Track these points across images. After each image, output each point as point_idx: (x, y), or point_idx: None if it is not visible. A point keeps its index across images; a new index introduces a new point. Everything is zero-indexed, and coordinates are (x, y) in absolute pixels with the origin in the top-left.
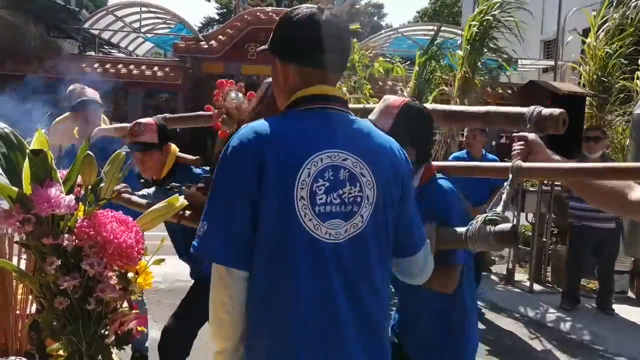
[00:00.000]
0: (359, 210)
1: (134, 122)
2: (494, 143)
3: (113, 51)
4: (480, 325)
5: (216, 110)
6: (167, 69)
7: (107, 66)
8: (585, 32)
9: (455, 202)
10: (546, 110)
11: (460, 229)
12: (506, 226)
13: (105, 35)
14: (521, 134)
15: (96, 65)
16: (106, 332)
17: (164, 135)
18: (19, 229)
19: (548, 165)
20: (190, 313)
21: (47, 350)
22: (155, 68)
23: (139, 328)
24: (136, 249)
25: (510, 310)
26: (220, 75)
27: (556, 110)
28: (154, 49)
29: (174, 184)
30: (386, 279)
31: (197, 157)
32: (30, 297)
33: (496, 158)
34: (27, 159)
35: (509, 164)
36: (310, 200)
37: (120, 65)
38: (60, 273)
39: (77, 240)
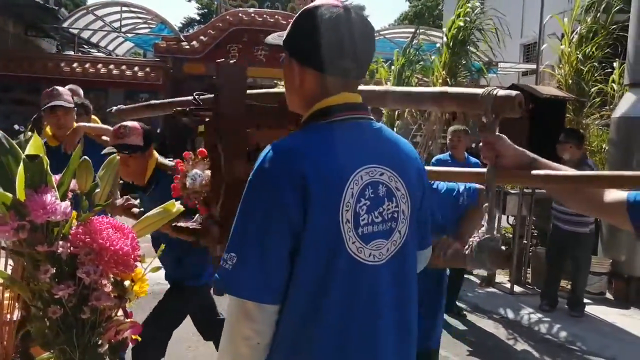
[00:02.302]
0: (396, 227)
1: (119, 124)
2: (473, 145)
3: (92, 51)
4: (462, 326)
5: (184, 197)
6: (147, 69)
7: (87, 66)
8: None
9: None
10: (502, 92)
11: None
12: (499, 251)
13: (85, 34)
14: (487, 137)
15: (75, 65)
16: (99, 342)
17: (148, 139)
18: (13, 236)
19: (520, 172)
20: (166, 315)
21: (38, 359)
22: (136, 68)
23: (134, 337)
24: (132, 256)
25: (491, 311)
26: (202, 75)
27: (512, 92)
28: (134, 49)
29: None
30: (417, 289)
31: (177, 161)
32: (16, 303)
33: (478, 162)
34: (21, 164)
35: (483, 170)
36: (354, 222)
37: (100, 65)
38: (53, 281)
39: (72, 248)
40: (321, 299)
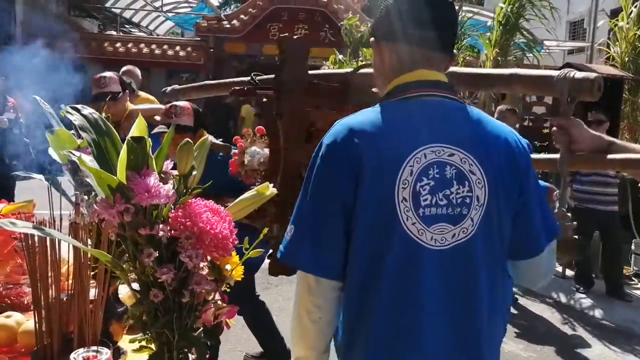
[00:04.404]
0: (468, 213)
1: (170, 104)
2: (517, 125)
3: (134, 30)
4: (514, 310)
5: (242, 175)
6: (189, 49)
7: (129, 45)
8: (613, 14)
9: None
10: (579, 74)
11: None
12: (572, 240)
13: (126, 14)
14: (560, 121)
15: (118, 44)
16: (195, 325)
17: (198, 120)
18: (118, 218)
19: (596, 156)
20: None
21: (129, 341)
22: (178, 48)
23: (228, 321)
24: (231, 240)
25: (543, 295)
26: (243, 55)
27: (591, 74)
28: (173, 28)
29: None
30: (498, 282)
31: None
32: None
33: (529, 143)
34: (125, 146)
35: (555, 156)
36: (414, 202)
37: (142, 45)
38: (156, 265)
39: (172, 231)
40: (375, 278)
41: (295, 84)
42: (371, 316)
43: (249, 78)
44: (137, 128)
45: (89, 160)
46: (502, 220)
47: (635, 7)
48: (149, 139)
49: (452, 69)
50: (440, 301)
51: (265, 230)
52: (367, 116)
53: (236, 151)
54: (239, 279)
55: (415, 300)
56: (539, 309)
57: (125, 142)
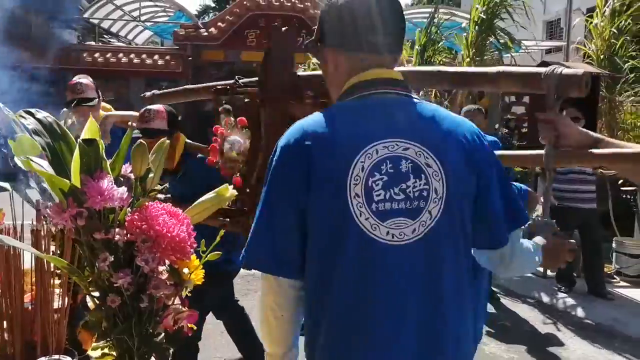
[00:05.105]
0: (426, 206)
1: (144, 108)
2: (497, 126)
3: (113, 40)
4: (495, 311)
5: (220, 163)
6: (167, 58)
7: (108, 55)
8: (590, 12)
9: None
10: (567, 70)
11: None
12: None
13: (105, 24)
14: (546, 117)
15: (97, 55)
16: (157, 331)
17: (174, 123)
18: (71, 223)
19: (583, 152)
20: (201, 301)
21: (92, 348)
22: (156, 57)
23: (190, 325)
24: (189, 243)
25: (525, 295)
26: (221, 62)
27: (579, 70)
28: (152, 37)
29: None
30: (464, 279)
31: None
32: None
33: (496, 139)
34: (77, 149)
35: (541, 152)
36: (366, 197)
37: (121, 55)
38: (112, 270)
39: (128, 235)
40: (330, 275)
41: (279, 72)
42: (329, 315)
43: (231, 81)
44: (89, 130)
45: (46, 165)
46: (464, 214)
47: (609, 5)
48: (102, 142)
49: (437, 68)
50: (402, 298)
51: (222, 232)
52: (320, 117)
53: (216, 137)
54: (221, 287)
55: (372, 297)
56: (520, 309)
57: (77, 144)
